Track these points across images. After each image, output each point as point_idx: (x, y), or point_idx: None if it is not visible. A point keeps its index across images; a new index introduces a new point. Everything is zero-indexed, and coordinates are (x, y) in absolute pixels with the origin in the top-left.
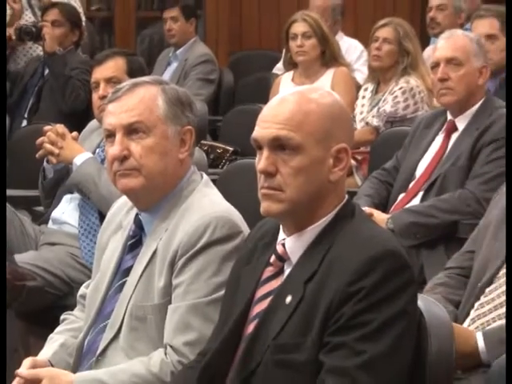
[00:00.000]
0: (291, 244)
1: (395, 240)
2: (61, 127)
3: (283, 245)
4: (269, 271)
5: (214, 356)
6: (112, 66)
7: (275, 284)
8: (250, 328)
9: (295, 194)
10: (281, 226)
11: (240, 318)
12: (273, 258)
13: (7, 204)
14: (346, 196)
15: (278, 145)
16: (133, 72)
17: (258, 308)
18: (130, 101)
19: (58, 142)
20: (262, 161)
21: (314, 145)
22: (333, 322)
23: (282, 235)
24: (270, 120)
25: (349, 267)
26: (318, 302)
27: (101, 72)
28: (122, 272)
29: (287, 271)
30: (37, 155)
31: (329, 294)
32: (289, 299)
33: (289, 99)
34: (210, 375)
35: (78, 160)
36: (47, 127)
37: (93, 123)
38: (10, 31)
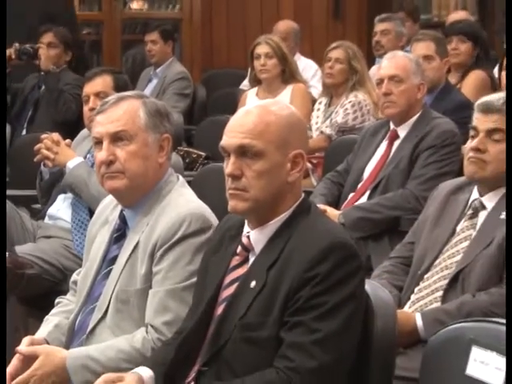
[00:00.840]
0: (255, 236)
1: (345, 232)
2: (56, 135)
3: (248, 237)
4: (235, 260)
5: (188, 334)
6: (101, 83)
7: (241, 271)
8: (220, 310)
9: (258, 193)
10: (245, 221)
11: (211, 301)
12: (239, 249)
13: (9, 202)
14: (303, 194)
15: (243, 151)
16: (119, 87)
17: (227, 292)
18: (115, 112)
19: (53, 148)
20: (229, 166)
21: (274, 151)
22: (292, 304)
23: (246, 228)
24: (235, 130)
25: (306, 256)
26: (278, 286)
27: (91, 87)
28: (108, 261)
29: (251, 260)
30: (35, 159)
31: (288, 279)
32: (253, 284)
33: (252, 111)
34: (186, 350)
35: (71, 164)
36: (44, 135)
37: (84, 132)
38: (11, 51)
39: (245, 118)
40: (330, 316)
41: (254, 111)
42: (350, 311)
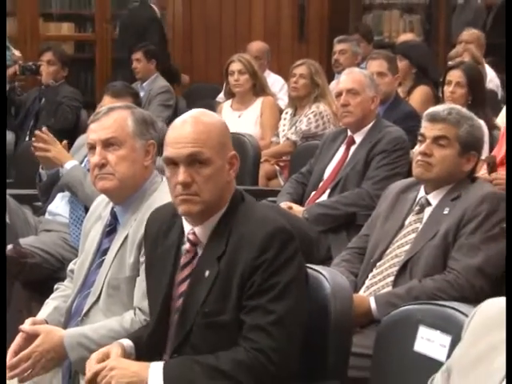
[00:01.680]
0: (200, 231)
1: (281, 218)
2: (45, 132)
3: (194, 233)
4: (185, 258)
5: (154, 327)
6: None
7: (193, 266)
8: (179, 303)
9: (208, 196)
10: (183, 219)
11: (165, 298)
12: (187, 246)
13: (13, 200)
14: (235, 186)
15: (192, 160)
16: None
17: (181, 288)
18: (106, 121)
19: (48, 143)
20: (180, 175)
21: (217, 156)
22: (247, 289)
23: (188, 226)
24: (182, 141)
25: (252, 244)
26: (232, 273)
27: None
28: (101, 252)
29: (200, 252)
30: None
31: (240, 266)
32: (207, 273)
33: (189, 122)
34: (155, 341)
35: (68, 165)
36: (37, 132)
37: (80, 140)
38: (16, 68)
39: (186, 129)
40: (282, 296)
41: (192, 121)
42: (298, 289)
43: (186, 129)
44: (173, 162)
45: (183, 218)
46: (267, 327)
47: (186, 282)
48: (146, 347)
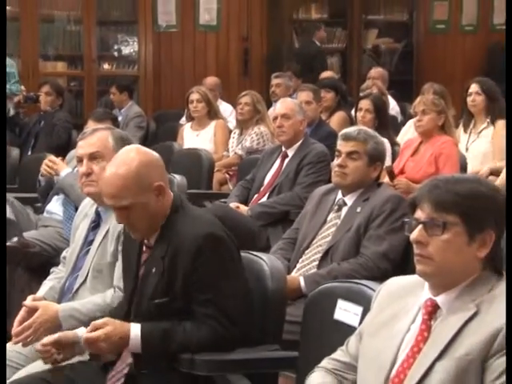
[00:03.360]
0: (151, 240)
1: (213, 221)
2: (52, 157)
3: (148, 240)
4: (143, 256)
5: (125, 304)
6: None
7: (145, 258)
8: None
9: (140, 226)
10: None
11: (133, 286)
12: (144, 248)
13: (18, 202)
14: (172, 196)
15: (119, 208)
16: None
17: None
18: (91, 139)
19: (52, 166)
20: (117, 218)
21: (137, 197)
22: (191, 285)
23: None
24: (108, 197)
25: (189, 247)
26: (175, 271)
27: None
28: (87, 242)
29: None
30: (40, 174)
31: (181, 265)
32: (154, 270)
33: (109, 178)
34: (125, 312)
35: (63, 173)
36: (45, 160)
37: (70, 154)
38: (20, 98)
39: (107, 188)
40: (221, 286)
41: (110, 178)
42: (233, 275)
43: (107, 189)
44: None
45: None
46: (215, 315)
47: (142, 271)
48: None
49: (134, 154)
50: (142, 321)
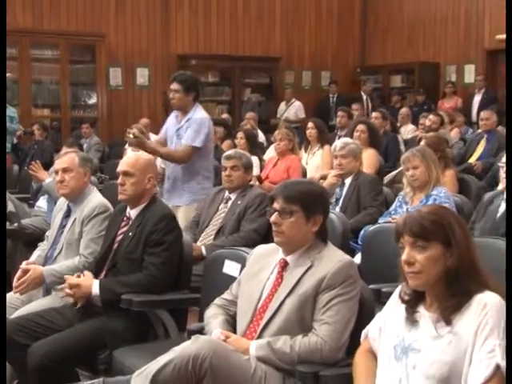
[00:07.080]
0: (133, 212)
1: (173, 214)
2: (37, 163)
3: (129, 213)
4: (123, 226)
5: (98, 260)
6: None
7: (125, 229)
8: (114, 247)
9: (130, 192)
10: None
11: (108, 245)
12: (125, 220)
13: (18, 200)
14: (153, 193)
15: (124, 172)
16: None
17: (117, 238)
18: (64, 158)
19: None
20: (119, 179)
21: (138, 172)
22: (149, 243)
23: (129, 209)
24: (124, 162)
25: (153, 218)
26: (141, 235)
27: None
28: (62, 226)
29: (130, 223)
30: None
31: (145, 231)
32: (130, 234)
33: (133, 155)
34: (98, 266)
35: (47, 181)
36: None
37: (51, 168)
38: (21, 132)
39: (130, 157)
40: (166, 248)
41: (134, 156)
42: (175, 245)
43: (127, 159)
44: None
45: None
46: (155, 262)
47: (119, 238)
48: (93, 270)
49: (147, 155)
50: (115, 271)
